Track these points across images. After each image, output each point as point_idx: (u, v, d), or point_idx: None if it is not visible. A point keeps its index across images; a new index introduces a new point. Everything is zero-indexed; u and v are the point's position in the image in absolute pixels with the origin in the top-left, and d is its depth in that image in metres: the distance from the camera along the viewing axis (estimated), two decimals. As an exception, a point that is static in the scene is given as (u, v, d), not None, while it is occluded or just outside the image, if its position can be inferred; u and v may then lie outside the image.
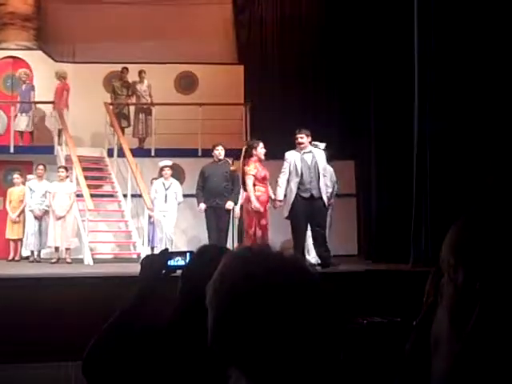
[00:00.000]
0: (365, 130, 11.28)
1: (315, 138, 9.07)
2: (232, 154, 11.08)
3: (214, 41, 14.15)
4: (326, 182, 8.85)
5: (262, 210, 9.02)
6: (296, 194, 8.66)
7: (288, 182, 8.73)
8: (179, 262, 2.10)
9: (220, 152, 9.94)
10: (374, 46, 10.84)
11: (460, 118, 8.21)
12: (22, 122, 12.96)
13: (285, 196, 8.78)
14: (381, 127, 10.70)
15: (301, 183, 8.67)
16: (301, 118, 12.90)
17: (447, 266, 0.90)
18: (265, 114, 13.31)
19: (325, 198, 8.73)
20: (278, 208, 8.98)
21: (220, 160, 9.99)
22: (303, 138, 8.80)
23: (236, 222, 10.26)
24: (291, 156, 8.83)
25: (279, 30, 14.25)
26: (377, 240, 10.71)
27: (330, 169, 9.28)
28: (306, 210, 8.65)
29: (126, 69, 13.41)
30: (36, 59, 13.73)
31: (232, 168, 10.00)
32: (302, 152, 8.80)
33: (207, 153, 10.68)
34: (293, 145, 9.92)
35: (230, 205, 9.60)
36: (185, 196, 10.92)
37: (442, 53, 8.36)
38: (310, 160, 8.77)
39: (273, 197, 9.18)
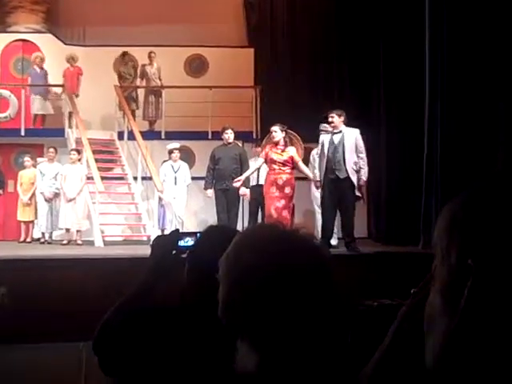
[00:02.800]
0: (375, 113, 11.26)
1: (324, 120, 8.99)
2: (242, 136, 11.08)
3: (223, 24, 14.09)
4: (360, 162, 8.54)
5: (247, 193, 9.49)
6: (324, 175, 8.62)
7: (319, 163, 8.77)
8: (189, 242, 2.11)
9: (229, 136, 9.93)
10: (385, 29, 10.80)
11: (470, 105, 8.17)
12: (43, 106, 12.99)
13: None
14: (392, 110, 10.69)
15: (328, 163, 8.58)
16: (311, 101, 12.88)
17: (440, 246, 0.90)
18: (275, 96, 13.28)
19: (353, 180, 8.49)
20: (319, 187, 8.92)
21: (230, 143, 9.99)
22: (333, 118, 8.62)
23: (245, 203, 10.28)
24: (322, 137, 8.82)
25: (289, 13, 14.15)
26: (387, 222, 10.72)
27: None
28: (334, 192, 8.54)
29: (127, 52, 13.43)
30: (46, 42, 13.73)
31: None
32: (333, 132, 8.68)
33: (217, 135, 10.67)
34: (305, 127, 9.90)
35: (243, 191, 9.59)
36: (195, 179, 10.94)
37: (454, 30, 8.30)
38: (337, 140, 8.61)
39: (311, 177, 9.23)
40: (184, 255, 2.08)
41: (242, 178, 9.24)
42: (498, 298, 0.83)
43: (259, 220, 10.15)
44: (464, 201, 0.90)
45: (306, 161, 9.55)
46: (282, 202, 8.93)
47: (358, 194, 8.67)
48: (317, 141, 9.03)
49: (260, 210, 10.04)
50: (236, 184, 9.27)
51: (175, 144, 11.21)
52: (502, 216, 0.85)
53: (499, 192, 0.87)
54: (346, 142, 8.58)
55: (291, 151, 9.04)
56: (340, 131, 8.64)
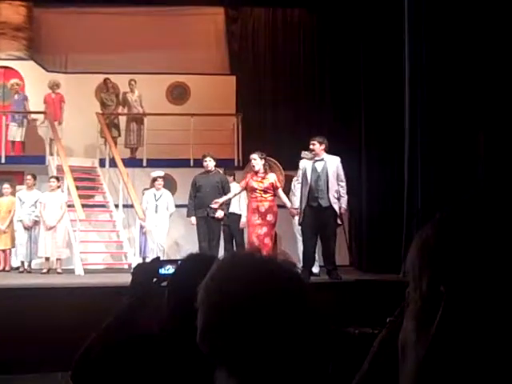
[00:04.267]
0: (355, 141, 11.33)
1: (305, 148, 9.02)
2: (224, 163, 11.08)
3: (205, 51, 14.19)
4: (340, 190, 8.60)
5: (221, 216, 9.41)
6: (306, 203, 8.56)
7: (301, 190, 8.67)
8: (170, 270, 2.11)
9: (208, 163, 9.94)
10: (364, 55, 10.91)
11: (450, 129, 8.24)
12: (15, 132, 12.95)
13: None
14: (371, 138, 10.76)
15: (310, 192, 8.54)
16: (292, 129, 12.97)
17: (412, 273, 0.90)
18: (256, 124, 13.35)
19: (336, 208, 8.54)
20: (296, 215, 8.90)
21: (211, 171, 10.00)
22: (315, 145, 8.63)
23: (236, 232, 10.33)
24: (303, 163, 8.74)
25: (271, 41, 14.30)
26: (368, 250, 10.73)
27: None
28: (315, 221, 8.51)
29: (108, 79, 13.46)
30: (28, 69, 13.72)
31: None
32: (315, 159, 8.67)
33: (199, 163, 10.67)
34: (286, 155, 9.93)
35: (219, 214, 9.60)
36: (177, 206, 10.93)
37: (433, 64, 8.40)
38: (320, 168, 8.62)
39: (288, 205, 9.12)
40: (165, 283, 2.07)
41: (220, 200, 9.26)
42: (469, 325, 0.83)
43: (234, 247, 10.22)
44: (435, 227, 0.90)
45: (287, 188, 9.56)
46: (264, 229, 8.93)
47: (339, 221, 8.72)
48: (298, 168, 9.05)
49: (234, 238, 10.17)
50: (213, 205, 9.28)
51: (159, 172, 11.20)
52: (473, 242, 0.85)
53: (469, 218, 0.88)
54: (329, 169, 8.60)
55: (271, 178, 9.07)
56: (322, 159, 8.66)
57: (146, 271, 2.11)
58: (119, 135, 13.25)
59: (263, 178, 9.04)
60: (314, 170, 8.62)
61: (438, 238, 0.88)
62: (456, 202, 0.92)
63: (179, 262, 2.11)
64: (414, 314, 0.89)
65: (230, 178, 10.32)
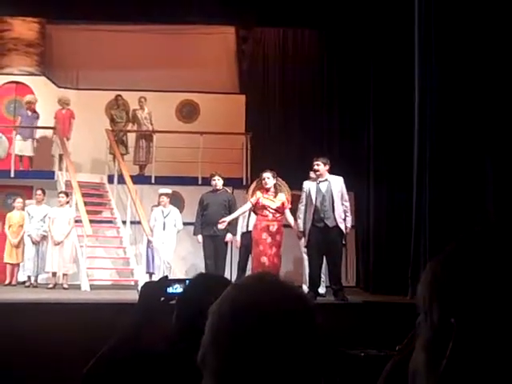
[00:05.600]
0: (364, 162, 11.33)
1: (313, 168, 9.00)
2: (232, 183, 11.10)
3: (216, 70, 14.26)
4: (346, 210, 8.60)
5: (232, 239, 9.31)
6: (311, 224, 8.50)
7: (305, 211, 8.61)
8: (178, 289, 2.11)
9: (217, 182, 9.95)
10: (374, 77, 10.94)
11: (458, 151, 8.24)
12: (25, 147, 13.01)
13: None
14: (379, 159, 10.76)
15: (315, 213, 8.49)
16: (301, 148, 12.98)
17: (422, 305, 0.91)
18: (265, 143, 13.38)
19: (342, 227, 8.50)
20: (302, 238, 8.84)
21: (218, 189, 10.00)
22: (319, 166, 8.59)
23: (234, 250, 10.23)
24: (307, 185, 8.69)
25: (281, 61, 14.37)
26: (375, 272, 10.69)
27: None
28: (321, 241, 8.45)
29: (120, 95, 13.53)
30: (39, 85, 13.82)
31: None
32: (318, 180, 8.63)
33: (207, 181, 10.69)
34: (293, 175, 9.93)
35: (229, 237, 9.59)
36: (184, 224, 10.93)
37: (443, 88, 8.41)
38: (324, 189, 8.58)
39: (294, 226, 9.05)
40: (172, 302, 2.07)
41: (227, 219, 9.21)
42: (479, 358, 0.83)
43: (249, 266, 10.12)
44: (445, 259, 0.91)
45: (294, 208, 9.53)
46: (274, 249, 8.93)
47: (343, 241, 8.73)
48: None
49: (250, 256, 10.03)
50: (220, 226, 9.24)
51: (167, 190, 11.21)
52: (482, 275, 0.85)
53: (478, 251, 0.88)
54: (334, 190, 8.59)
55: (282, 197, 9.08)
56: (326, 179, 8.65)
57: (154, 290, 2.11)
58: (127, 152, 13.29)
59: (274, 197, 9.04)
60: (318, 190, 8.60)
61: (448, 271, 0.89)
62: (465, 235, 0.92)
63: (187, 281, 2.11)
64: (424, 346, 0.89)
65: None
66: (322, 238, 8.49)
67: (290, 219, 9.16)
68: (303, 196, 8.72)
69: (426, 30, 8.57)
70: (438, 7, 8.41)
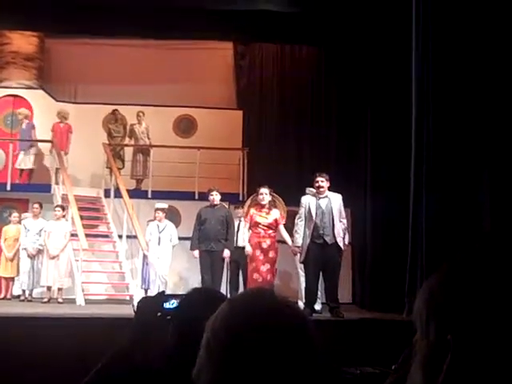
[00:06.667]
0: (361, 179, 11.35)
1: (310, 184, 9.01)
2: (228, 198, 11.10)
3: (213, 85, 14.32)
4: (344, 227, 8.59)
5: (250, 252, 9.07)
6: (310, 240, 8.46)
7: (304, 227, 8.55)
8: (174, 304, 2.10)
9: (214, 197, 9.96)
10: (372, 93, 10.99)
11: (455, 165, 8.26)
12: (26, 161, 13.01)
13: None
14: (377, 176, 10.78)
15: (314, 229, 8.45)
16: (298, 164, 13.01)
17: (419, 321, 0.91)
18: (262, 159, 13.40)
19: (340, 245, 8.47)
20: (298, 253, 8.77)
21: (216, 204, 10.02)
22: (324, 182, 8.55)
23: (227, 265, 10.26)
24: (306, 200, 8.62)
25: (279, 77, 14.42)
26: (371, 289, 10.68)
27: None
28: (319, 257, 8.41)
29: (117, 110, 13.57)
30: (37, 98, 13.85)
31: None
32: (318, 197, 8.58)
33: (204, 196, 10.69)
34: (290, 190, 9.93)
35: (226, 253, 9.61)
36: (180, 239, 10.91)
37: (440, 101, 8.44)
38: (324, 205, 8.53)
39: (289, 242, 9.05)
40: (169, 317, 2.06)
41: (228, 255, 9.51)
42: (476, 374, 0.83)
43: (240, 281, 10.17)
44: (441, 276, 0.91)
45: (290, 223, 9.52)
46: (267, 265, 8.94)
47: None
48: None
49: (241, 271, 10.09)
50: (226, 255, 9.48)
51: (163, 204, 11.20)
52: (478, 292, 0.86)
53: (475, 269, 0.89)
54: (333, 206, 8.56)
55: (276, 214, 9.10)
56: (326, 196, 8.63)
57: (151, 305, 2.10)
58: (123, 166, 13.30)
59: (267, 214, 9.06)
60: (318, 206, 8.56)
61: (444, 288, 0.89)
62: (461, 252, 0.92)
63: (183, 295, 2.11)
64: (421, 363, 0.89)
65: (241, 210, 10.32)
66: (320, 255, 8.46)
67: (285, 235, 9.17)
68: (301, 211, 8.65)
69: (424, 46, 8.61)
70: (435, 24, 8.46)
